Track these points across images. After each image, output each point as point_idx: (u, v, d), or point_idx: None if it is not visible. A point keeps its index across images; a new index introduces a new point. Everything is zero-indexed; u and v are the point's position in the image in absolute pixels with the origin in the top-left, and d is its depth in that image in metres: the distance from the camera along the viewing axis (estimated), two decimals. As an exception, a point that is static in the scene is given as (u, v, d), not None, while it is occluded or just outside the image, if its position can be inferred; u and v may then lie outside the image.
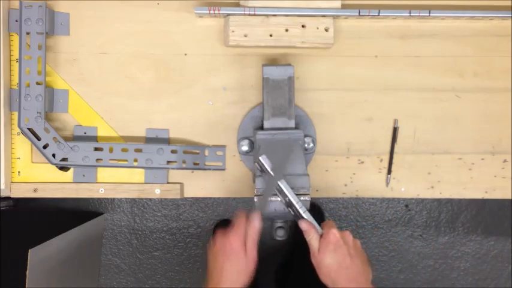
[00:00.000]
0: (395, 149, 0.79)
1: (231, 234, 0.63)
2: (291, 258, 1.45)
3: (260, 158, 0.65)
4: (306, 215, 0.66)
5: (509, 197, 0.80)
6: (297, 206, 0.65)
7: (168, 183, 0.78)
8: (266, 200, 0.67)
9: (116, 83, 0.78)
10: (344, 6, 0.76)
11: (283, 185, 0.65)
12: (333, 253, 0.63)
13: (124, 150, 0.76)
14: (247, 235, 0.64)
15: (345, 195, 0.79)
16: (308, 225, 0.65)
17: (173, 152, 0.76)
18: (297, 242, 1.46)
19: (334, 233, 0.63)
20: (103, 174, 0.78)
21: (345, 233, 0.65)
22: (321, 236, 0.65)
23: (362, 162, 0.80)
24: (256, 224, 0.64)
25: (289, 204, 0.66)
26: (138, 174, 0.78)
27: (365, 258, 0.65)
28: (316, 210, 1.53)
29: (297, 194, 0.66)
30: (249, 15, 0.75)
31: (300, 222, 0.66)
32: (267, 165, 0.65)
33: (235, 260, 0.63)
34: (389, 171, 0.79)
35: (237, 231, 0.63)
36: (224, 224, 1.53)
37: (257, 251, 0.64)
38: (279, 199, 0.67)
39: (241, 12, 0.74)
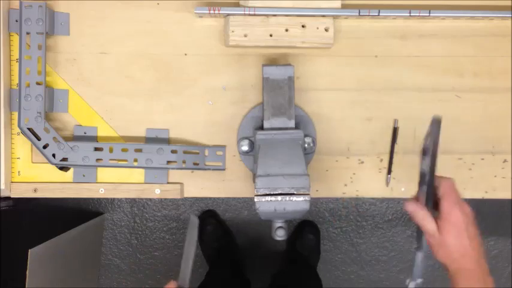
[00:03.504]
0: (395, 149, 0.79)
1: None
2: (288, 267, 1.44)
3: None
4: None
5: (509, 197, 0.80)
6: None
7: (168, 183, 0.78)
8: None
9: (116, 83, 0.78)
10: (344, 6, 0.76)
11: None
12: (457, 237, 0.60)
13: (124, 150, 0.76)
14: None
15: (345, 195, 0.79)
16: (414, 206, 0.61)
17: (173, 152, 0.76)
18: (296, 251, 1.46)
19: (458, 216, 0.60)
20: (103, 174, 0.78)
21: (466, 210, 0.61)
22: (437, 216, 0.61)
23: (362, 162, 0.80)
24: None
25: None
26: (138, 174, 0.78)
27: (477, 233, 0.62)
28: (314, 228, 1.53)
29: (296, 194, 0.66)
30: (249, 15, 0.75)
31: (406, 204, 0.62)
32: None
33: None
34: (389, 171, 0.79)
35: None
36: (209, 214, 1.52)
37: None
38: (279, 199, 0.67)
39: (241, 12, 0.74)
